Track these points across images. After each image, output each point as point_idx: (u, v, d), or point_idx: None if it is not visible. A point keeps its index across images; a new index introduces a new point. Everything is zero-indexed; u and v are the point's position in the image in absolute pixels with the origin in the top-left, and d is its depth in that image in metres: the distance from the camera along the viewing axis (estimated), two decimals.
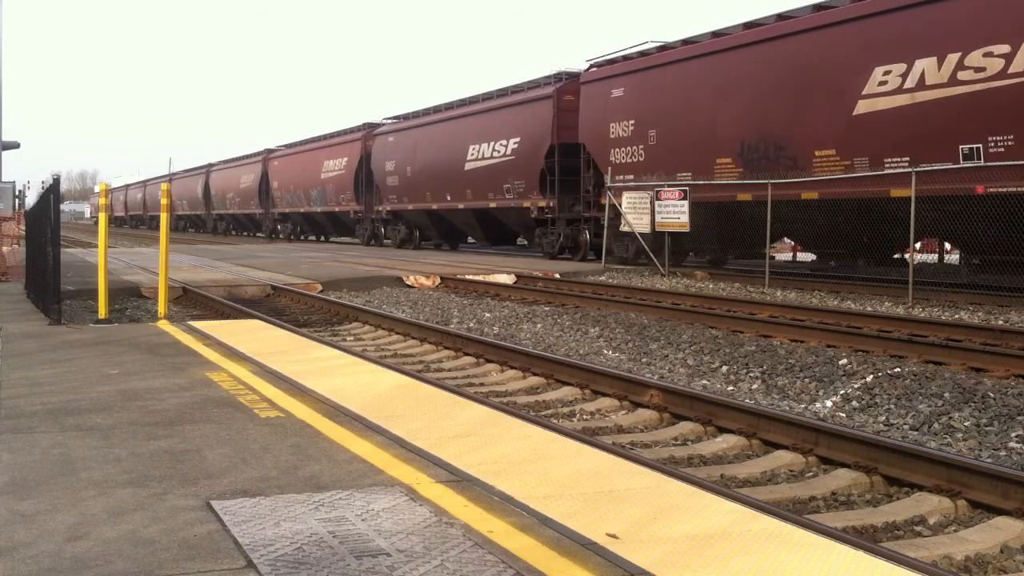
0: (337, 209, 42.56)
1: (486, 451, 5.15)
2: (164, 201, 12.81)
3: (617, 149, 23.98)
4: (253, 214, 55.23)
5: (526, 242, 31.20)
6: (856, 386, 8.61)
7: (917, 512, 5.41)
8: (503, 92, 30.93)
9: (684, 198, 20.72)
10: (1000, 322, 12.61)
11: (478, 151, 30.61)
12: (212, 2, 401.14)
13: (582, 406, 8.33)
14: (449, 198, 32.44)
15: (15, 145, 35.23)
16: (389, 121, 39.30)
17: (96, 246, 16.79)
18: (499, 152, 29.42)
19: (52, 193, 12.03)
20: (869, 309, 14.42)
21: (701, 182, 21.18)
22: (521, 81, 30.31)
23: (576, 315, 13.76)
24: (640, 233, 22.19)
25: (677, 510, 4.14)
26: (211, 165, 64.68)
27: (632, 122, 23.51)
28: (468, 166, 31.16)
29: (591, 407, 8.28)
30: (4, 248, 22.16)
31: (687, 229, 20.99)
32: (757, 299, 16.04)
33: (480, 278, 19.82)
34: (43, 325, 11.22)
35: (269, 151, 53.36)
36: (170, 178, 74.42)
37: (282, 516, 4.04)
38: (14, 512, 4.12)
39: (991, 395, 7.87)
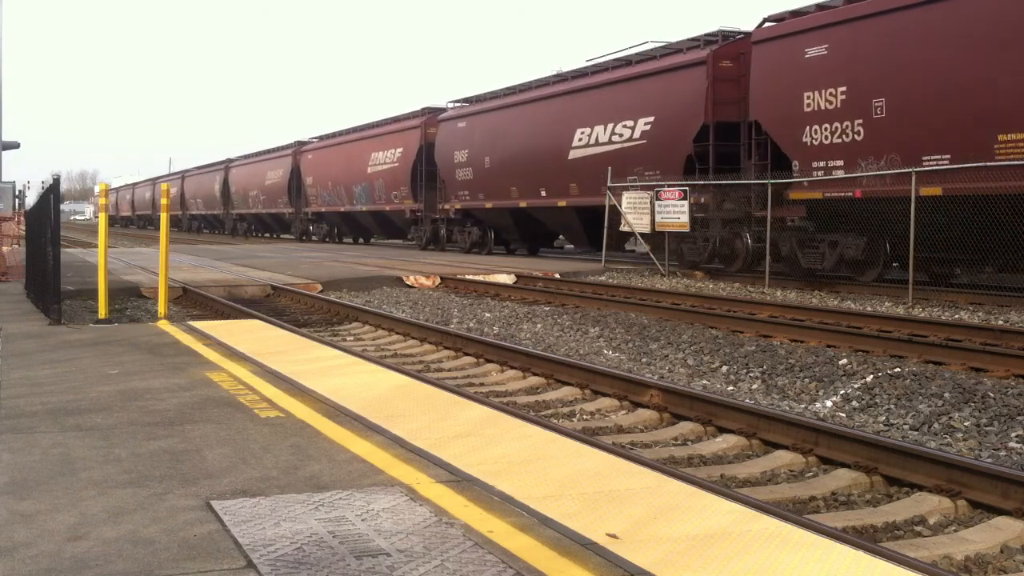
0: (388, 208, 36.95)
1: (486, 451, 5.15)
2: (164, 201, 12.80)
3: (815, 127, 18.14)
4: (281, 214, 50.06)
5: (646, 248, 22.97)
6: (856, 386, 8.61)
7: (917, 512, 5.41)
8: (623, 62, 24.50)
9: (684, 198, 20.70)
10: (1000, 322, 12.61)
11: (589, 136, 24.62)
12: (212, 2, 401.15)
13: (582, 406, 8.33)
14: (544, 194, 26.68)
15: (15, 145, 35.21)
16: (456, 104, 33.33)
17: (96, 246, 16.80)
18: (622, 136, 23.42)
19: (52, 193, 12.03)
20: (869, 309, 14.42)
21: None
22: (653, 46, 23.64)
23: (576, 315, 13.76)
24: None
25: (677, 510, 4.14)
26: (230, 160, 59.53)
27: (842, 89, 17.55)
28: (574, 154, 25.18)
29: (591, 407, 8.28)
30: (4, 248, 22.16)
31: (687, 229, 20.97)
32: (757, 299, 16.04)
33: (480, 278, 19.82)
34: (43, 325, 11.22)
35: (301, 143, 48.34)
36: (183, 176, 70.35)
37: (282, 516, 4.04)
38: (14, 512, 4.12)
39: (991, 395, 7.87)
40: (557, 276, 20.86)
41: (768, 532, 3.87)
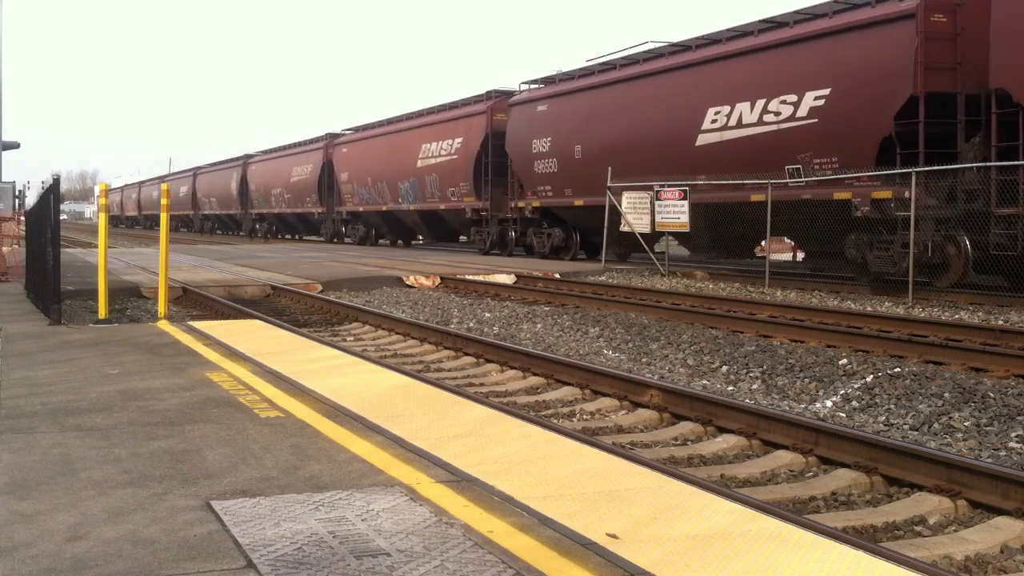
0: (442, 207, 32.40)
1: (486, 451, 5.15)
2: (164, 201, 12.82)
3: None
4: (309, 213, 45.60)
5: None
6: (856, 386, 8.61)
7: (917, 512, 5.41)
8: (773, 24, 19.98)
9: (684, 198, 20.71)
10: (1000, 322, 12.61)
11: (728, 116, 20.07)
12: (212, 2, 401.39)
13: (582, 406, 8.33)
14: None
15: (15, 145, 35.23)
16: (533, 85, 28.65)
17: (96, 246, 16.80)
18: (778, 115, 18.82)
19: (52, 193, 12.03)
20: (869, 309, 14.42)
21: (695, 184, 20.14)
22: (820, 0, 19.13)
23: (576, 315, 13.76)
24: (643, 233, 22.03)
25: (677, 510, 4.14)
26: (249, 156, 55.14)
27: None
28: (704, 140, 20.71)
29: (591, 407, 8.28)
30: (4, 248, 22.16)
31: (687, 229, 20.97)
32: (757, 299, 16.04)
33: (480, 278, 19.82)
34: (43, 325, 11.22)
35: (333, 136, 43.56)
36: (195, 173, 65.96)
37: (282, 516, 4.04)
38: (14, 512, 4.12)
39: (991, 395, 7.87)
40: (557, 276, 20.86)
41: (768, 532, 3.87)
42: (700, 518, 4.04)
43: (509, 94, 29.81)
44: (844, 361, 9.55)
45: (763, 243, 20.43)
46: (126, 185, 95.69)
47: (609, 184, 22.95)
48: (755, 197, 18.86)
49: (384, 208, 37.27)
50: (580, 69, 26.33)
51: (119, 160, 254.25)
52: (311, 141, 46.36)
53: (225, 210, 59.07)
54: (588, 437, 6.36)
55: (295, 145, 48.39)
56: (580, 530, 3.84)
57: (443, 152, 32.16)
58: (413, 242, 40.56)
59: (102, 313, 11.96)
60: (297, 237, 51.72)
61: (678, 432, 7.40)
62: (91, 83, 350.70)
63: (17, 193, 37.88)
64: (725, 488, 5.48)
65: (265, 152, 53.25)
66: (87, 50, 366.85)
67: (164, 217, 12.85)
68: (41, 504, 4.23)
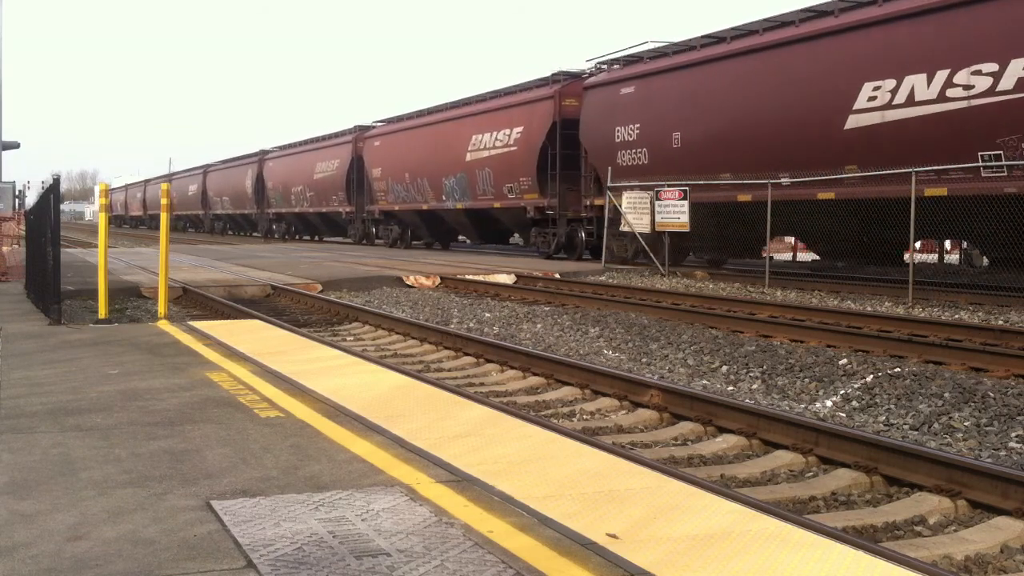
0: (496, 205, 28.90)
1: (486, 451, 5.15)
2: (164, 201, 12.82)
3: None
4: (335, 213, 42.03)
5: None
6: (856, 386, 8.61)
7: (917, 512, 5.41)
8: None
9: (684, 198, 20.70)
10: (1000, 322, 12.61)
11: (893, 91, 16.74)
12: (212, 2, 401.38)
13: (582, 406, 8.33)
14: (787, 181, 18.55)
15: (15, 145, 35.22)
16: (610, 65, 25.08)
17: (96, 246, 16.81)
18: (971, 89, 15.41)
19: (52, 193, 12.03)
20: (869, 309, 14.42)
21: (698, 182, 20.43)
22: None
23: (576, 315, 13.76)
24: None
25: (677, 510, 4.14)
26: (266, 152, 51.87)
27: None
28: (857, 121, 17.41)
29: (591, 407, 8.28)
30: (4, 248, 22.16)
31: (687, 229, 20.97)
32: (757, 299, 16.04)
33: (480, 278, 19.82)
34: (43, 325, 11.22)
35: (363, 128, 40.14)
36: (205, 171, 62.49)
37: (282, 516, 4.04)
38: (14, 512, 4.12)
39: (991, 395, 7.87)
40: (557, 276, 20.86)
41: (768, 532, 3.87)
42: (700, 518, 4.04)
43: (579, 76, 26.43)
44: (844, 361, 9.55)
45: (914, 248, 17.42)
46: (130, 184, 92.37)
47: (609, 184, 22.96)
48: (931, 191, 15.79)
49: (424, 207, 33.74)
50: (677, 44, 22.70)
51: (119, 160, 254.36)
52: (338, 135, 42.58)
53: (239, 209, 55.78)
54: (588, 437, 6.36)
55: (319, 139, 44.46)
56: (580, 530, 3.84)
57: (498, 143, 28.31)
58: (453, 244, 37.34)
59: (102, 313, 11.96)
60: (316, 238, 48.81)
61: (678, 432, 7.40)
62: (91, 83, 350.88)
63: (17, 193, 37.86)
64: (725, 488, 5.48)
65: (284, 147, 49.87)
66: (87, 50, 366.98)
67: (164, 217, 12.86)
68: (41, 504, 4.23)
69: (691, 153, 21.34)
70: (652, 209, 21.50)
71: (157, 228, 74.82)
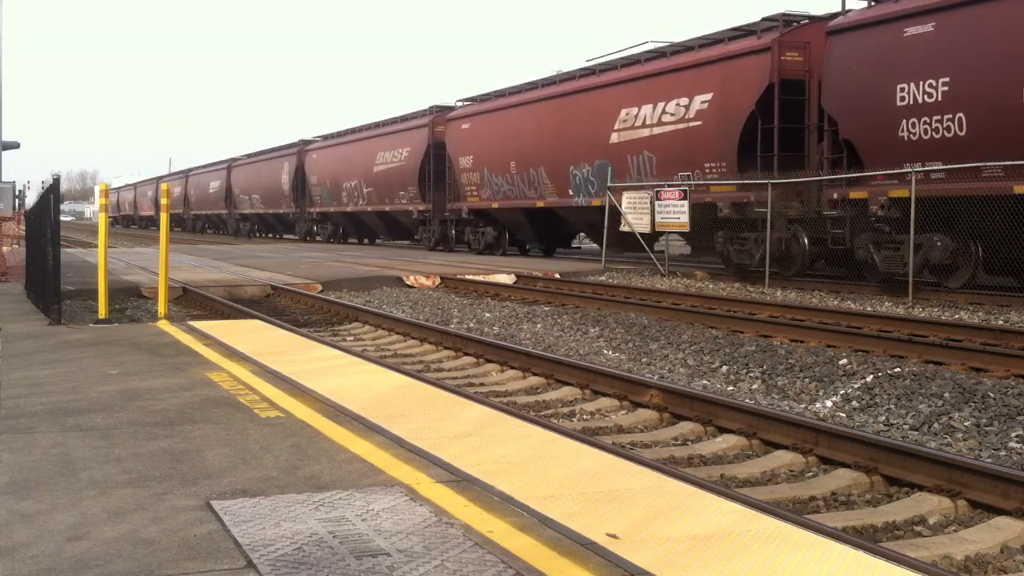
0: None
1: (486, 451, 5.16)
2: (164, 201, 12.83)
3: None
4: (403, 212, 34.94)
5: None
6: (856, 386, 8.61)
7: (917, 512, 5.41)
8: None
9: (684, 198, 20.70)
10: (1000, 322, 12.61)
11: None
12: (212, 2, 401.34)
13: (582, 406, 8.33)
14: None
15: (15, 145, 35.25)
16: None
17: (96, 246, 16.82)
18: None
19: (52, 193, 12.03)
20: (869, 309, 14.42)
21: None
22: None
23: (576, 315, 13.76)
24: (641, 233, 22.01)
25: (677, 510, 4.14)
26: (307, 142, 45.33)
27: None
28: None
29: (591, 407, 8.28)
30: (4, 248, 22.16)
31: (687, 229, 20.96)
32: (757, 299, 16.04)
33: (480, 278, 19.82)
34: (43, 325, 11.22)
35: (441, 109, 33.12)
36: (229, 165, 55.88)
37: (282, 516, 4.04)
38: (14, 512, 4.12)
39: (991, 395, 7.87)
40: (557, 276, 20.86)
41: (768, 532, 3.87)
42: (700, 518, 4.04)
43: (821, 19, 19.00)
44: (844, 361, 9.55)
45: None
46: (140, 182, 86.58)
47: (609, 184, 22.95)
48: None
49: (538, 203, 26.78)
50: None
51: (119, 160, 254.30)
52: (408, 118, 35.42)
53: (273, 208, 49.03)
54: (588, 437, 6.36)
55: (381, 124, 37.49)
56: (580, 530, 3.84)
57: (671, 117, 21.47)
58: (563, 250, 31.09)
59: (102, 313, 11.96)
60: (365, 240, 42.51)
61: (678, 432, 7.40)
62: (91, 83, 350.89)
63: (17, 193, 37.86)
64: (725, 488, 5.48)
65: (330, 136, 43.28)
66: (87, 50, 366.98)
67: (164, 217, 12.87)
68: (41, 504, 4.23)
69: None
70: (652, 209, 21.47)
71: (171, 228, 72.13)
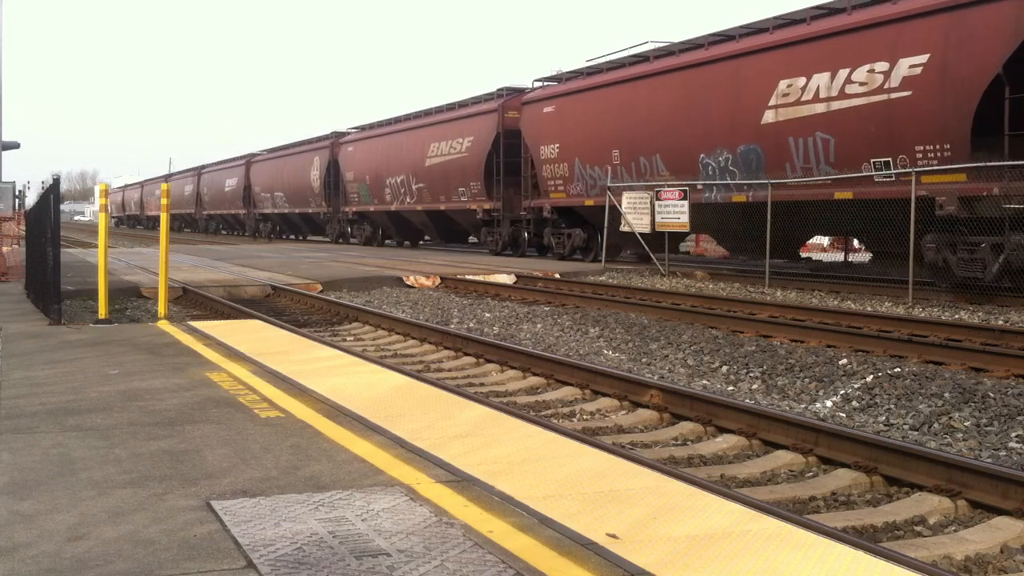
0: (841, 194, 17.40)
1: (486, 451, 5.15)
2: (164, 201, 12.83)
3: None
4: (463, 211, 30.45)
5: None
6: (856, 386, 8.62)
7: (917, 512, 5.41)
8: None
9: (684, 198, 20.70)
10: (1000, 322, 12.61)
11: None
12: (212, 2, 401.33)
13: (582, 406, 8.33)
14: None
15: (15, 145, 35.24)
16: None
17: (96, 246, 16.82)
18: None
19: (52, 193, 12.03)
20: (869, 309, 14.42)
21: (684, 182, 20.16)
22: None
23: (576, 315, 13.76)
24: (639, 233, 21.97)
25: (677, 510, 4.14)
26: (341, 135, 41.10)
27: None
28: None
29: (591, 407, 8.28)
30: (4, 248, 22.16)
31: (687, 229, 20.95)
32: (757, 299, 16.04)
33: (480, 278, 19.82)
34: (43, 325, 11.22)
35: (513, 91, 28.84)
36: (248, 161, 52.05)
37: (282, 516, 4.04)
38: (14, 512, 4.12)
39: (991, 395, 7.87)
40: (557, 276, 20.86)
41: (768, 532, 3.87)
42: (700, 518, 4.04)
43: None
44: (844, 361, 9.55)
45: None
46: (148, 180, 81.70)
47: (609, 184, 22.93)
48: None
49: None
50: None
51: (119, 160, 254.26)
52: (472, 102, 30.83)
53: (299, 207, 44.93)
54: (588, 437, 6.36)
55: (437, 111, 33.00)
56: (580, 530, 3.84)
57: (861, 88, 16.89)
58: (671, 259, 22.80)
59: (102, 313, 11.96)
60: (405, 243, 38.00)
61: (678, 432, 7.40)
62: (91, 83, 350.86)
63: (17, 193, 37.83)
64: (725, 488, 5.48)
65: (370, 127, 38.79)
66: (87, 50, 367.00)
67: (164, 217, 12.87)
68: (41, 504, 4.23)
69: None
70: (652, 209, 21.47)
71: (180, 230, 65.93)
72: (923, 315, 13.69)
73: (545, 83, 27.63)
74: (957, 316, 13.52)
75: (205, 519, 4.01)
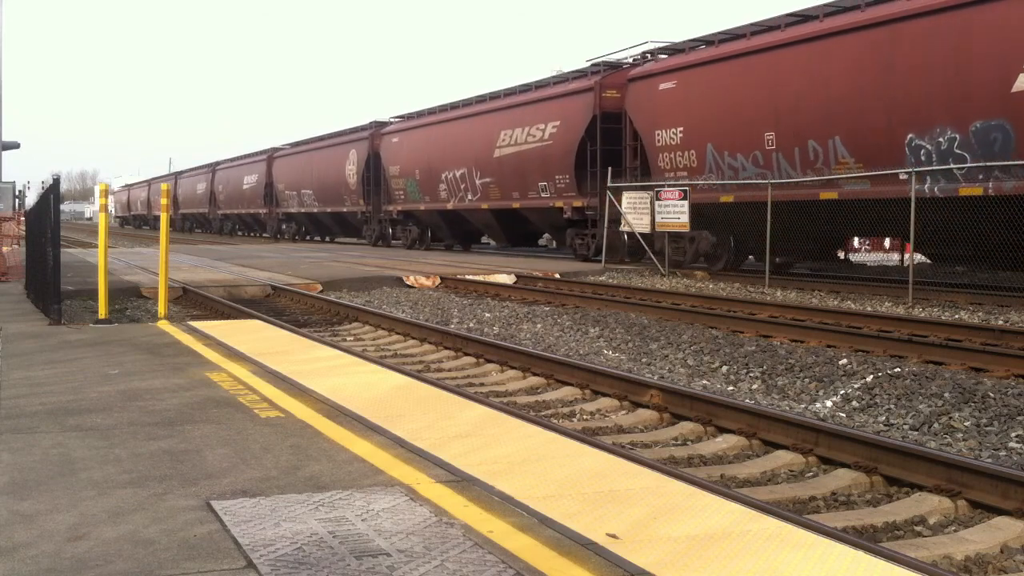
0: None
1: (486, 451, 5.16)
2: (163, 201, 12.83)
3: None
4: (542, 210, 26.29)
5: None
6: (856, 386, 8.62)
7: (917, 512, 5.41)
8: None
9: (684, 198, 20.70)
10: (1000, 322, 12.61)
11: None
12: (213, 2, 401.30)
13: (582, 406, 8.33)
14: None
15: (15, 145, 35.26)
16: None
17: (96, 246, 16.82)
18: None
19: (52, 193, 12.03)
20: (869, 309, 14.42)
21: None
22: None
23: (576, 315, 13.76)
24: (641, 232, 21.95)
25: (677, 510, 4.14)
26: (381, 125, 36.42)
27: None
28: None
29: (591, 407, 8.28)
30: (4, 248, 22.16)
31: (687, 229, 20.95)
32: (757, 299, 16.04)
33: (480, 278, 19.82)
34: (43, 325, 11.22)
35: (611, 67, 24.46)
36: (270, 156, 47.97)
37: (282, 516, 4.04)
38: (14, 512, 4.12)
39: (991, 395, 7.87)
40: (557, 276, 20.85)
41: (768, 532, 3.87)
42: (700, 518, 4.04)
43: None
44: (844, 361, 9.55)
45: None
46: (155, 178, 78.10)
47: (609, 184, 22.92)
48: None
49: (823, 195, 17.70)
50: None
51: (119, 160, 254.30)
52: (558, 81, 26.71)
53: (332, 206, 40.00)
54: (588, 437, 6.36)
55: (510, 93, 28.60)
56: (580, 530, 3.84)
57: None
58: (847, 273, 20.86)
59: (102, 313, 11.96)
60: (456, 247, 33.53)
61: (678, 432, 7.40)
62: (91, 83, 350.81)
63: (17, 193, 37.84)
64: (725, 488, 5.48)
65: (412, 116, 34.39)
66: (87, 50, 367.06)
67: (164, 217, 12.88)
68: (41, 504, 4.23)
69: None
70: (652, 209, 21.46)
71: (190, 230, 63.91)
72: (923, 315, 13.69)
73: (650, 56, 23.37)
74: (957, 316, 13.52)
75: (205, 519, 4.01)
